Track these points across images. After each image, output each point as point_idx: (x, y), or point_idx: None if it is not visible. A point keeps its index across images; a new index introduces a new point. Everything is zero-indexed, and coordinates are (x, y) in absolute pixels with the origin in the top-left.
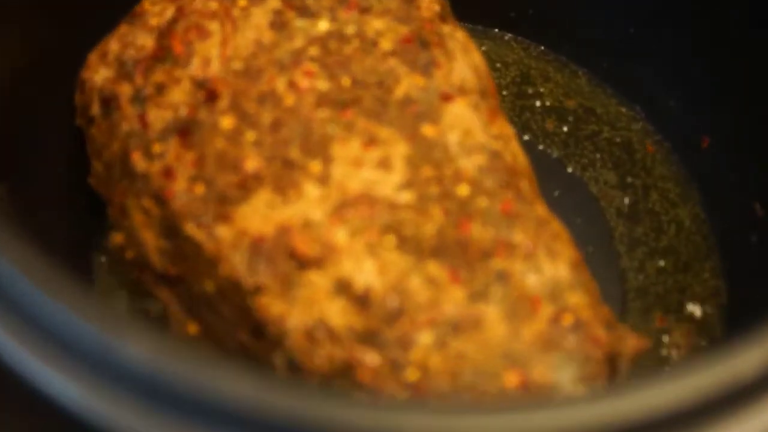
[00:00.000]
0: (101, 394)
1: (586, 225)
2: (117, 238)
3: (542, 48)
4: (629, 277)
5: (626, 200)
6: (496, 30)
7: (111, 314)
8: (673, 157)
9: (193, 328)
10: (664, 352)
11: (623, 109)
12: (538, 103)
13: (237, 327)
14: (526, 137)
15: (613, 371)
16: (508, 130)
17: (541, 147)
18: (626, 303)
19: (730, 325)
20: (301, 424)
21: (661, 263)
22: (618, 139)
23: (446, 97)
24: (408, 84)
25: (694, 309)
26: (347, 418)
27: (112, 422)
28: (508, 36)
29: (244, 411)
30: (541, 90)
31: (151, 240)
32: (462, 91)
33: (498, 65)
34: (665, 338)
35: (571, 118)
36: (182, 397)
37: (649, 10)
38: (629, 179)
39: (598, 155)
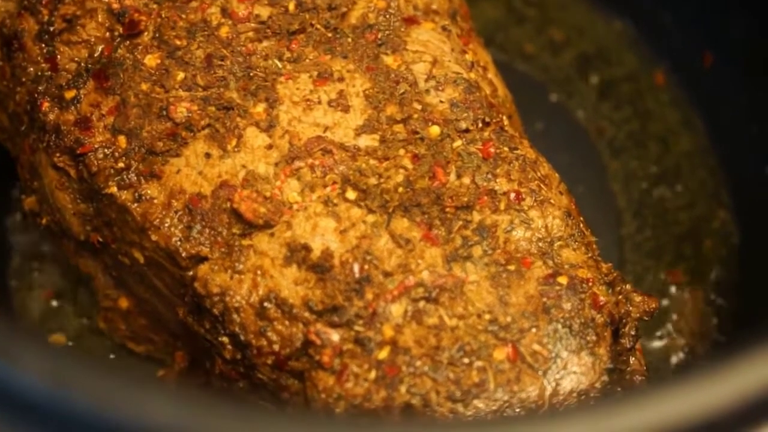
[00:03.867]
0: None
1: (575, 162)
2: (28, 202)
3: None
4: (626, 221)
5: (620, 131)
6: None
7: (4, 326)
8: (672, 79)
9: (124, 303)
10: (666, 304)
11: (613, 27)
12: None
13: (175, 302)
14: (500, 59)
15: (617, 336)
16: (485, 57)
17: (519, 71)
18: (623, 252)
19: (745, 282)
20: None
21: (662, 203)
22: (609, 61)
23: (410, 21)
24: (364, 6)
25: (703, 255)
26: None
27: None
28: None
29: None
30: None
31: (67, 204)
32: (428, 12)
33: None
34: (671, 290)
35: (554, 38)
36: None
37: None
38: (623, 107)
39: (585, 80)
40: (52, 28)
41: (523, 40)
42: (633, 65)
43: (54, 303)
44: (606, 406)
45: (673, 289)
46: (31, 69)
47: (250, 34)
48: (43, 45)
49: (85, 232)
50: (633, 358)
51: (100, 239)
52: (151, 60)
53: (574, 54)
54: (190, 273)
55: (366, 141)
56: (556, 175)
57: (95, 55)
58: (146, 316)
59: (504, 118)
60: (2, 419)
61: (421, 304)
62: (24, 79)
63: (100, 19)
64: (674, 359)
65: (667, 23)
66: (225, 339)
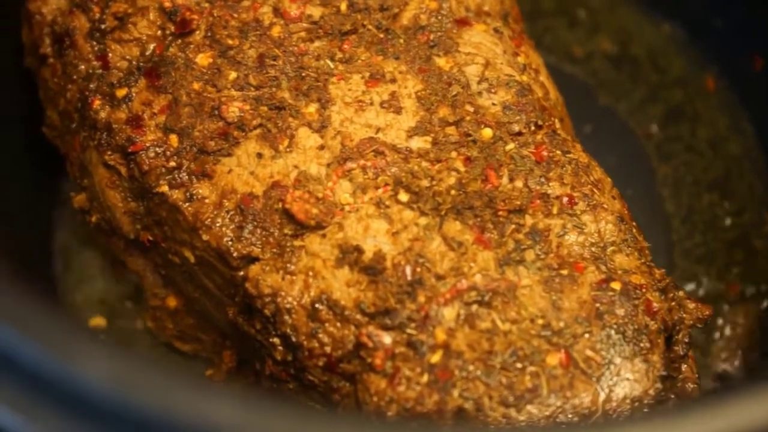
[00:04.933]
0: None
1: (623, 166)
2: (78, 199)
3: None
4: (675, 226)
5: (669, 135)
6: None
7: (64, 327)
8: (722, 83)
9: (173, 302)
10: (718, 321)
11: (662, 30)
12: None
13: (225, 302)
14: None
15: (669, 343)
16: (537, 59)
17: (567, 73)
18: (672, 257)
19: None
20: None
21: (712, 208)
22: (658, 65)
23: (462, 22)
24: (416, 7)
25: (755, 262)
26: None
27: None
28: None
29: None
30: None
31: (118, 202)
32: (480, 14)
33: None
34: (723, 306)
35: (603, 41)
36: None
37: None
38: (672, 111)
39: (633, 83)
40: (103, 26)
41: (571, 43)
42: (682, 69)
43: (99, 301)
44: (667, 415)
45: (724, 296)
46: (83, 67)
47: (302, 34)
48: (95, 43)
49: (135, 230)
50: (684, 365)
51: (150, 238)
52: (203, 59)
53: (623, 57)
54: (241, 273)
55: (418, 143)
56: (609, 179)
57: (147, 54)
58: (194, 316)
59: (556, 121)
60: (65, 421)
61: (474, 307)
62: (75, 77)
63: (151, 18)
64: (721, 367)
65: (717, 27)
66: (276, 340)
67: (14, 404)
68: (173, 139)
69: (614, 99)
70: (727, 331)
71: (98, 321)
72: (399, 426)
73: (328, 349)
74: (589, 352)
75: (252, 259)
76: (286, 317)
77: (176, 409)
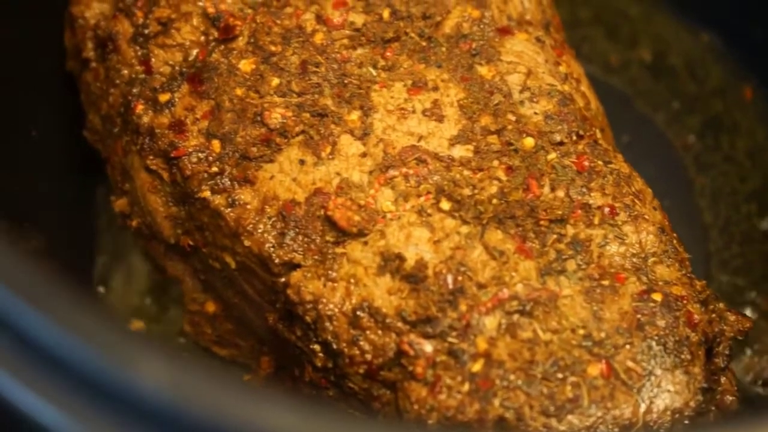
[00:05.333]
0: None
1: (660, 176)
2: (119, 203)
3: None
4: (713, 237)
5: (707, 146)
6: None
7: (118, 331)
8: (761, 94)
9: (211, 307)
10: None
11: (700, 39)
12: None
13: (265, 308)
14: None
15: (710, 355)
16: (578, 69)
17: (605, 82)
18: (710, 269)
19: None
20: None
21: (750, 219)
22: (696, 75)
23: (504, 31)
24: (459, 15)
25: None
26: None
27: None
28: None
29: None
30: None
31: (159, 206)
32: (522, 23)
33: None
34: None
35: (640, 50)
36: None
37: None
38: (710, 121)
39: (671, 93)
40: (146, 31)
41: (608, 52)
42: (720, 79)
43: (138, 305)
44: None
45: (760, 308)
46: (125, 71)
47: (345, 41)
48: (138, 47)
49: (175, 235)
50: (723, 378)
51: (191, 243)
52: (246, 65)
53: (661, 67)
54: (283, 280)
55: (460, 151)
56: (649, 190)
57: (190, 59)
58: (233, 321)
59: (597, 131)
60: (122, 427)
61: (515, 317)
62: (118, 81)
63: (195, 23)
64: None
65: (756, 36)
66: (317, 347)
67: (66, 405)
68: (216, 144)
69: (652, 109)
70: (757, 345)
71: (137, 325)
72: None
73: (368, 356)
74: (629, 363)
75: (293, 266)
76: (327, 324)
77: (234, 416)
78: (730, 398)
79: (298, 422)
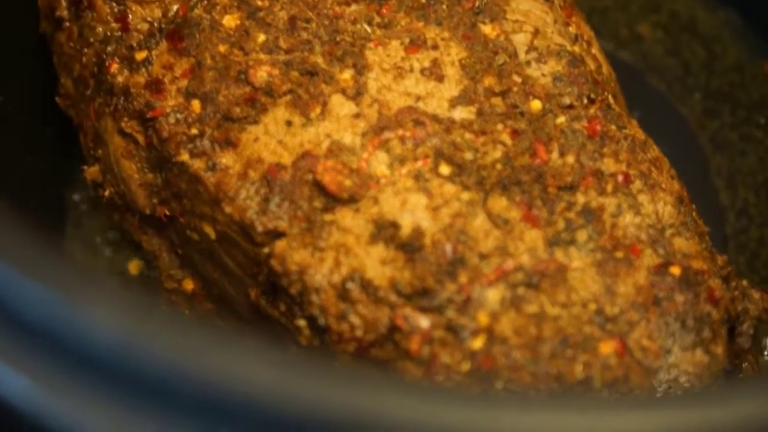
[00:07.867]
0: (57, 384)
1: (674, 154)
2: (91, 171)
3: None
4: (729, 219)
5: (724, 124)
6: None
7: (70, 270)
8: None
9: (190, 285)
10: None
11: (718, 16)
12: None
13: (247, 283)
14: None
15: (732, 334)
16: (588, 31)
17: (616, 57)
18: (727, 251)
19: None
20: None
21: None
22: (713, 51)
23: None
24: None
25: None
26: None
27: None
28: None
29: (258, 406)
30: None
31: (134, 173)
32: None
33: None
34: None
35: (655, 25)
36: (170, 387)
37: None
38: (727, 98)
39: (686, 69)
40: None
41: (620, 25)
42: (737, 56)
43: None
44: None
45: None
46: (100, 29)
47: None
48: (114, 4)
49: (151, 204)
50: (745, 362)
51: (168, 213)
52: (229, 20)
53: (675, 41)
54: (266, 249)
55: (461, 113)
56: (666, 159)
57: (169, 15)
58: (213, 300)
59: (609, 96)
60: (80, 377)
61: (521, 290)
62: (92, 40)
63: None
64: None
65: None
66: (302, 323)
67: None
68: (196, 104)
69: (666, 85)
70: None
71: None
72: None
73: (359, 332)
74: (645, 341)
75: (278, 234)
76: (314, 297)
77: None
78: None
79: (265, 373)
